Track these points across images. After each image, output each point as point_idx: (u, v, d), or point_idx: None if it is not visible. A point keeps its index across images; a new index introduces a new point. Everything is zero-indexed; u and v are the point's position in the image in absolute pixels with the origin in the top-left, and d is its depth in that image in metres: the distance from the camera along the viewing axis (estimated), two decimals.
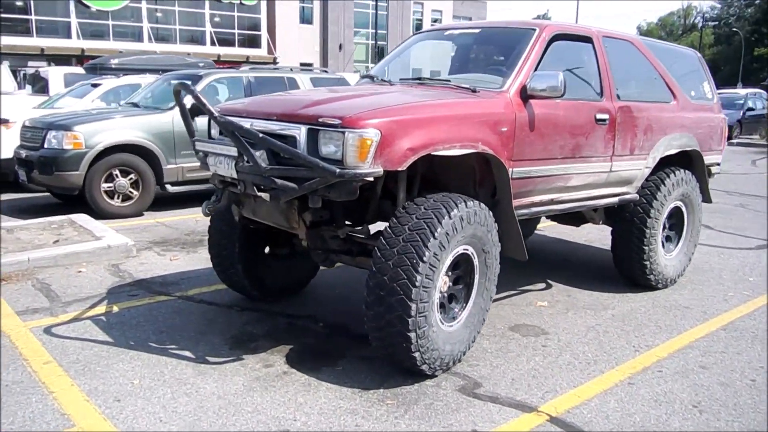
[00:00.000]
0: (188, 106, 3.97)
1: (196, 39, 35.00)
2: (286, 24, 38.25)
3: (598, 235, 7.27)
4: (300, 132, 3.42)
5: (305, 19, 39.68)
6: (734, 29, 62.04)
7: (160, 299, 4.89)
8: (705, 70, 6.01)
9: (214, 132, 4.13)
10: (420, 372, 3.59)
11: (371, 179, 3.35)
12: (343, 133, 3.25)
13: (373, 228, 4.16)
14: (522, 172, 4.08)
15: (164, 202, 8.23)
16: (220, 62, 26.74)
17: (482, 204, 3.71)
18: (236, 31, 36.30)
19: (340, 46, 40.98)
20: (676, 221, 5.59)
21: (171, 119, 7.97)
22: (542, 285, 5.50)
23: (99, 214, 7.44)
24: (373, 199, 3.88)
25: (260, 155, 3.42)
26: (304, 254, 4.90)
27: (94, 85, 10.84)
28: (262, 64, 29.17)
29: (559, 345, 4.22)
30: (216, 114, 3.44)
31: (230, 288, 4.83)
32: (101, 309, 4.64)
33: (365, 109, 3.38)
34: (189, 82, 3.69)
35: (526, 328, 4.51)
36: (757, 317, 4.87)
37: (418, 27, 44.57)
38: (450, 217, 3.45)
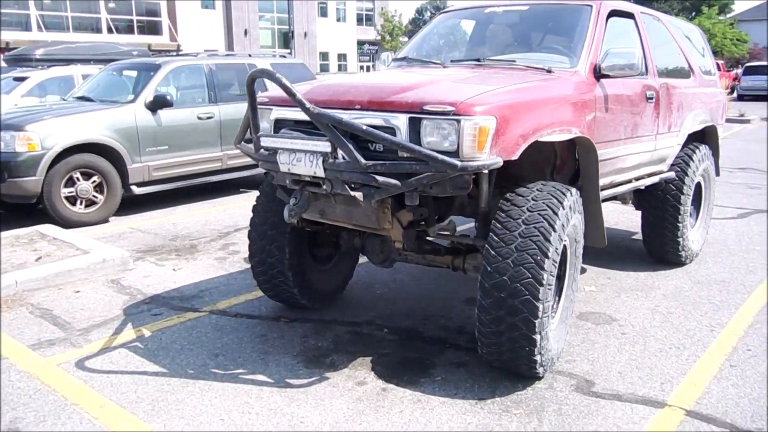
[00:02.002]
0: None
1: (91, 27, 32.61)
2: (188, 9, 36.44)
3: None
4: (400, 122, 3.04)
5: (207, 4, 37.95)
6: None
7: (190, 316, 4.35)
8: (707, 45, 6.08)
9: (266, 126, 3.61)
10: (534, 375, 3.35)
11: (486, 171, 3.04)
12: (458, 121, 2.91)
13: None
14: (600, 155, 3.88)
15: (125, 204, 7.44)
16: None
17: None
18: (134, 17, 34.15)
19: (246, 32, 39.55)
20: (695, 196, 5.62)
21: (133, 114, 7.20)
22: None
23: (60, 223, 6.61)
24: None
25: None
26: (344, 255, 4.54)
27: (18, 79, 9.70)
28: (166, 52, 27.64)
29: (637, 332, 4.09)
30: (309, 105, 2.99)
31: (273, 298, 4.37)
32: (130, 334, 4.06)
33: (475, 94, 3.05)
34: (269, 69, 3.19)
35: (592, 315, 4.36)
36: None
37: (323, 10, 43.84)
38: (563, 208, 3.21)
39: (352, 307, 4.51)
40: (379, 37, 47.56)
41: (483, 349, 3.31)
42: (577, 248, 3.63)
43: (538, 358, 3.20)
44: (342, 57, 45.29)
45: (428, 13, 58.49)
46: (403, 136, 3.04)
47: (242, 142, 3.83)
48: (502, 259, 3.09)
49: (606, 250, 5.92)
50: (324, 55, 43.97)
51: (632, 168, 4.56)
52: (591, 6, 4.19)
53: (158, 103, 7.32)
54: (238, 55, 9.23)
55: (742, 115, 18.53)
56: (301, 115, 3.36)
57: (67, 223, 6.65)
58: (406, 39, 51.53)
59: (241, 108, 8.26)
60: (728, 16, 58.35)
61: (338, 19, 44.85)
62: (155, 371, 3.55)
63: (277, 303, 4.50)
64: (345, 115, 3.13)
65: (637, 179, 4.75)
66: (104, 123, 6.99)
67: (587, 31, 4.03)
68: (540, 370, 3.29)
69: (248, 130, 3.66)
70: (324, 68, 42.74)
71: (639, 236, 6.11)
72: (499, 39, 4.51)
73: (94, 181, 6.94)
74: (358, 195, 3.15)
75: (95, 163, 6.90)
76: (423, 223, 3.59)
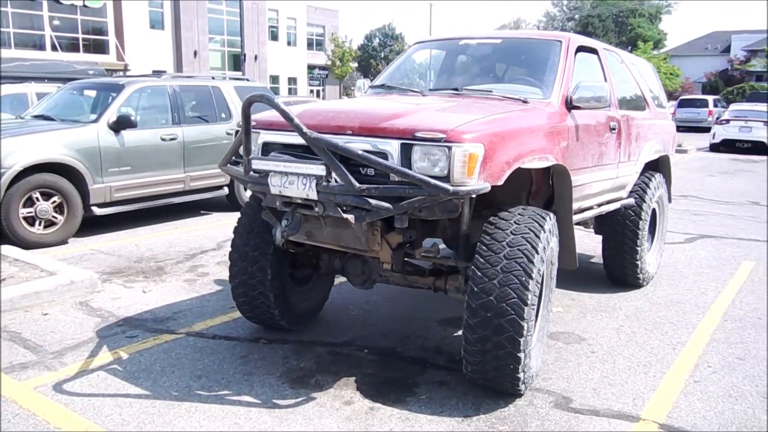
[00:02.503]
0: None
1: (34, 43, 31.73)
2: (136, 29, 35.90)
3: None
4: (392, 147, 3.16)
5: (156, 24, 37.50)
6: None
7: (167, 338, 4.31)
8: (658, 79, 6.46)
9: (252, 149, 3.65)
10: (516, 392, 3.48)
11: (474, 196, 3.18)
12: (449, 147, 3.05)
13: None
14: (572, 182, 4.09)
15: (84, 226, 7.26)
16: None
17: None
18: (80, 35, 33.43)
19: (195, 53, 39.25)
20: (651, 221, 5.93)
21: (96, 134, 7.09)
22: None
23: (17, 244, 6.42)
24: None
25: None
26: (321, 277, 4.60)
27: None
28: (114, 71, 27.15)
29: (606, 350, 4.29)
30: (306, 130, 3.07)
31: (251, 319, 4.38)
32: (107, 357, 3.99)
33: (463, 122, 3.21)
34: (268, 95, 3.25)
35: (562, 335, 4.54)
36: (738, 306, 5.29)
37: (273, 33, 43.91)
38: (544, 231, 3.38)
39: (329, 329, 4.56)
40: (329, 62, 47.91)
41: (468, 367, 3.42)
42: (552, 270, 3.80)
43: (521, 375, 3.33)
44: (292, 81, 45.35)
45: (377, 40, 59.27)
46: (394, 161, 3.15)
47: (228, 165, 3.85)
48: (489, 280, 3.23)
49: (568, 273, 6.16)
50: (274, 79, 43.93)
51: (598, 194, 4.80)
52: (561, 41, 4.44)
53: (122, 124, 7.24)
54: (200, 78, 9.20)
55: (680, 146, 19.47)
56: (290, 139, 3.46)
57: (25, 244, 6.47)
58: (356, 64, 52.14)
59: (204, 130, 8.28)
60: (661, 51, 61.44)
61: (289, 43, 44.98)
62: (138, 393, 3.51)
63: (254, 325, 4.51)
64: (338, 140, 3.22)
65: (600, 205, 5.00)
66: (65, 142, 6.86)
67: (558, 64, 4.26)
68: (522, 387, 3.42)
69: (235, 152, 3.69)
70: (274, 91, 42.67)
71: (596, 259, 6.41)
72: (473, 70, 4.71)
73: (54, 202, 6.78)
74: (350, 217, 3.24)
75: (56, 183, 6.75)
76: (409, 245, 3.69)
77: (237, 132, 3.88)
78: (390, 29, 59.03)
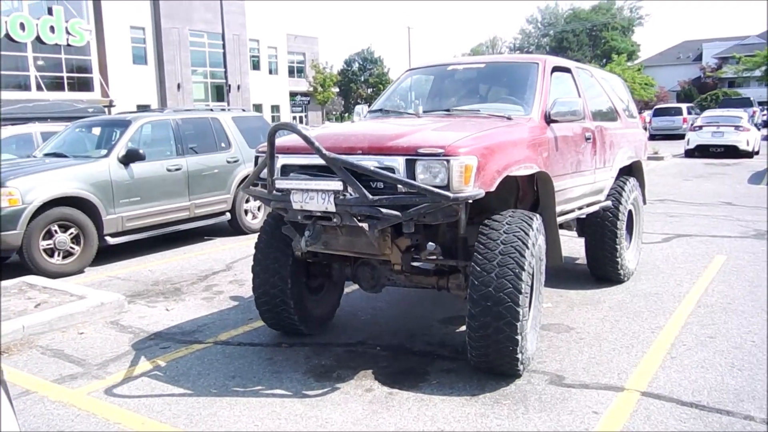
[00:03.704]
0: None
1: (19, 84, 32.12)
2: (119, 65, 36.40)
3: None
4: (398, 163, 3.67)
5: (139, 59, 38.03)
6: None
7: (197, 347, 4.75)
8: (628, 92, 7.06)
9: (273, 171, 4.14)
10: (515, 374, 3.96)
11: (470, 201, 3.69)
12: (448, 161, 3.57)
13: None
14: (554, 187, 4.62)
15: (96, 255, 7.66)
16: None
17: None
18: (65, 74, 33.89)
19: (179, 86, 39.79)
20: (628, 222, 6.47)
21: (107, 167, 7.56)
22: None
23: (38, 274, 6.83)
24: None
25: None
26: (333, 285, 5.07)
27: None
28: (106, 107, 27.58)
29: (592, 336, 4.79)
30: (325, 152, 3.57)
31: (273, 326, 4.83)
32: (146, 365, 4.43)
33: (458, 138, 3.73)
34: (291, 123, 3.75)
35: (553, 326, 5.03)
36: (711, 294, 5.82)
37: (255, 63, 44.59)
38: (533, 229, 3.89)
39: (343, 332, 5.02)
40: (311, 88, 48.64)
41: (473, 353, 3.90)
42: (541, 265, 4.31)
43: (519, 356, 3.81)
44: (275, 108, 45.98)
45: (356, 64, 60.21)
46: (401, 174, 3.66)
47: (250, 187, 4.32)
48: (487, 274, 3.72)
49: (555, 273, 6.67)
50: (257, 107, 44.51)
51: (578, 198, 5.33)
52: (538, 63, 5.00)
53: (131, 157, 7.71)
54: (201, 111, 9.71)
55: (656, 153, 20.22)
56: (306, 161, 3.97)
57: (45, 275, 6.86)
58: (337, 89, 52.94)
59: (206, 159, 8.77)
60: (636, 62, 62.95)
61: (270, 72, 45.69)
62: (182, 393, 3.95)
63: (273, 332, 4.96)
64: (351, 159, 3.72)
65: (580, 208, 5.53)
66: (80, 177, 7.31)
67: (536, 84, 4.82)
68: (521, 368, 3.91)
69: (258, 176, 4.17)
70: None
71: (580, 261, 6.92)
72: (461, 92, 5.26)
73: (72, 233, 7.21)
74: (365, 225, 3.74)
75: (72, 216, 7.19)
76: (415, 248, 4.19)
77: (257, 158, 4.35)
78: (369, 53, 60.02)
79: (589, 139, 5.31)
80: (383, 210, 3.62)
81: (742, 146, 19.87)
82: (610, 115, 6.14)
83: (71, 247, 7.21)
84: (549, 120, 4.64)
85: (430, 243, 4.21)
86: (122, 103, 33.65)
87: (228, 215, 9.21)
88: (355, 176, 3.65)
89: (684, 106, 31.60)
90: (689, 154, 20.83)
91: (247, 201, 9.49)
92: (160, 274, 7.14)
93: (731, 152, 20.01)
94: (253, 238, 9.06)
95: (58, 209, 7.08)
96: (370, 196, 3.59)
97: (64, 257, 7.18)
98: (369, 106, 5.54)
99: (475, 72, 5.28)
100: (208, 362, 4.45)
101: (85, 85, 34.91)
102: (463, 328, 4.97)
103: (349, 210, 3.69)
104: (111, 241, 7.63)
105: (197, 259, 7.90)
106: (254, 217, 9.64)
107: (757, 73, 46.92)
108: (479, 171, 3.66)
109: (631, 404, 3.67)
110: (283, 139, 4.19)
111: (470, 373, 4.12)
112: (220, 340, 4.91)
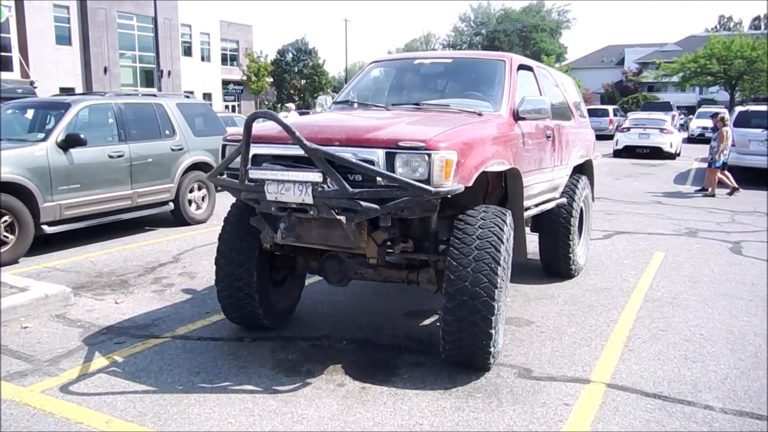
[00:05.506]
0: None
1: None
2: (41, 44, 34.48)
3: None
4: (377, 156, 3.62)
5: (62, 39, 36.15)
6: None
7: (155, 342, 4.56)
8: (579, 93, 7.26)
9: (247, 161, 4.01)
10: (486, 366, 4.00)
11: (449, 196, 3.69)
12: (429, 155, 3.55)
13: None
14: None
15: (31, 245, 7.23)
16: None
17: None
18: None
19: (105, 69, 38.14)
20: (579, 219, 6.66)
21: (45, 152, 7.13)
22: None
23: None
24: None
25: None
26: (295, 278, 4.98)
27: None
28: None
29: (552, 330, 4.91)
30: (306, 142, 3.48)
31: (235, 320, 4.70)
32: (102, 361, 4.21)
33: (437, 133, 3.71)
34: (271, 112, 3.63)
35: (514, 320, 5.11)
36: (656, 288, 6.09)
37: (187, 49, 43.30)
38: (506, 225, 3.94)
39: (305, 325, 4.94)
40: (244, 77, 47.64)
41: (446, 347, 3.91)
42: (508, 260, 4.36)
43: (492, 350, 3.86)
44: (207, 96, 44.71)
45: (290, 55, 59.39)
46: (380, 167, 3.61)
47: (217, 176, 4.16)
48: (463, 268, 3.74)
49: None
50: (188, 95, 43.32)
51: (537, 195, 5.43)
52: (505, 60, 5.06)
53: (71, 142, 7.31)
54: (145, 95, 9.31)
55: None
56: (280, 151, 3.86)
57: None
58: (271, 79, 52.02)
59: (150, 146, 8.43)
60: (563, 63, 65.05)
61: (203, 59, 44.47)
62: (145, 390, 3.78)
63: (233, 326, 4.83)
64: (331, 151, 3.64)
65: (538, 204, 5.64)
66: (15, 161, 6.86)
67: (504, 81, 4.88)
68: (492, 361, 3.95)
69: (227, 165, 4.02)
70: None
71: (531, 256, 7.06)
72: (428, 86, 5.26)
73: (5, 221, 6.77)
74: (343, 218, 3.67)
75: (7, 203, 6.75)
76: (389, 242, 4.16)
77: (224, 146, 4.20)
78: (303, 44, 59.31)
79: (549, 137, 5.42)
80: (362, 203, 3.57)
81: (666, 148, 20.85)
82: (566, 114, 6.29)
83: (5, 236, 6.77)
84: (517, 117, 4.71)
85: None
86: (44, 85, 31.90)
87: (171, 205, 8.89)
88: (363, 169, 3.56)
89: (610, 108, 32.86)
90: (617, 154, 21.68)
91: (191, 191, 9.20)
92: (103, 266, 6.82)
93: (656, 153, 20.96)
94: (198, 229, 8.90)
95: None
96: (350, 189, 3.53)
97: None
98: (313, 98, 5.46)
99: (442, 67, 5.29)
100: (169, 358, 4.28)
101: (3, 64, 32.81)
102: (427, 321, 5.05)
103: (327, 202, 3.61)
104: (48, 230, 7.22)
105: (141, 250, 7.58)
106: (198, 207, 9.35)
107: (675, 78, 49.42)
108: (458, 166, 3.66)
109: (599, 396, 3.78)
110: (256, 128, 4.06)
111: (440, 366, 4.14)
112: (178, 334, 4.73)
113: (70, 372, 4.04)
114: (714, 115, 13.71)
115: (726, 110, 27.16)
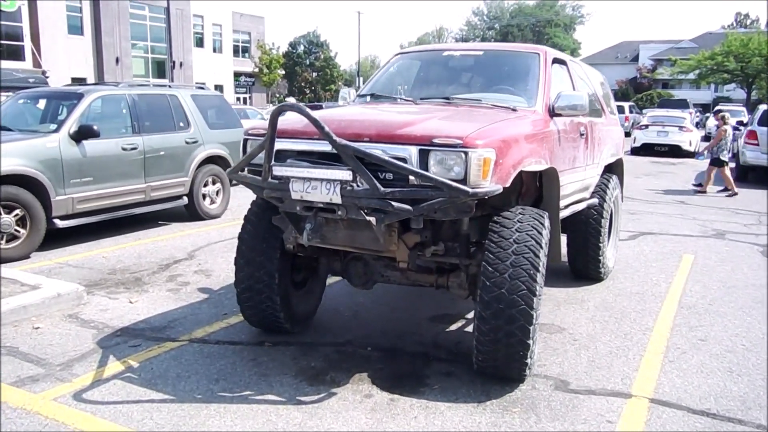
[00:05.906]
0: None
1: None
2: (53, 34, 34.43)
3: None
4: (410, 153, 3.39)
5: (74, 29, 36.06)
6: None
7: (172, 346, 4.36)
8: (609, 89, 6.99)
9: (271, 156, 3.78)
10: (521, 378, 3.77)
11: (487, 197, 3.46)
12: (466, 153, 3.31)
13: None
14: None
15: (43, 239, 7.06)
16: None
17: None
18: None
19: (117, 60, 38.03)
20: (609, 220, 6.40)
21: (57, 144, 6.95)
22: None
23: None
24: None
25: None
26: (317, 280, 4.77)
27: None
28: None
29: (585, 338, 4.67)
30: (335, 138, 3.26)
31: (254, 323, 4.49)
32: (117, 366, 4.02)
33: (474, 129, 3.48)
34: (299, 104, 3.40)
35: (544, 326, 4.88)
36: (689, 294, 5.83)
37: (199, 40, 43.14)
38: (545, 227, 3.70)
39: (327, 330, 4.73)
40: (256, 69, 47.44)
41: (479, 357, 3.68)
42: (545, 265, 4.13)
43: (528, 361, 3.63)
44: (219, 88, 44.50)
45: (302, 47, 59.11)
46: (413, 165, 3.38)
47: (239, 173, 3.95)
48: (500, 275, 3.51)
49: None
50: (201, 86, 43.17)
51: (570, 195, 5.19)
52: (539, 53, 4.81)
53: (84, 133, 7.12)
54: (159, 86, 9.12)
55: None
56: (306, 147, 3.64)
57: None
58: (283, 72, 51.80)
59: (164, 138, 8.23)
60: (578, 60, 64.42)
61: (215, 50, 44.29)
62: (162, 398, 3.58)
63: (252, 329, 4.62)
64: (362, 147, 3.40)
65: (569, 205, 5.39)
66: (28, 153, 6.69)
67: (539, 75, 4.63)
68: (527, 372, 3.72)
69: (250, 161, 3.80)
70: None
71: None
72: (458, 79, 5.01)
73: (17, 215, 6.59)
74: (372, 219, 3.45)
75: (18, 195, 6.57)
76: (421, 245, 3.93)
77: (246, 141, 3.99)
78: (315, 36, 59.02)
79: (583, 134, 5.17)
80: (394, 203, 3.35)
81: (685, 146, 20.47)
82: (598, 111, 6.04)
83: (16, 230, 6.60)
84: (552, 113, 4.46)
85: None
86: (56, 75, 31.83)
87: (185, 199, 8.69)
88: (395, 167, 3.34)
89: (626, 105, 32.39)
90: (635, 151, 21.31)
91: (205, 185, 9.00)
92: (116, 262, 6.64)
93: (675, 151, 20.60)
94: (212, 225, 8.70)
95: (2, 188, 6.45)
96: (382, 188, 3.31)
97: (7, 241, 6.56)
98: (324, 90, 5.23)
99: (473, 59, 5.04)
100: (187, 363, 4.08)
101: (15, 54, 32.81)
102: (454, 327, 4.83)
103: (356, 202, 3.39)
104: (60, 224, 7.04)
105: (155, 245, 7.40)
106: (212, 202, 9.16)
107: (691, 75, 48.80)
108: (497, 165, 3.43)
109: (643, 412, 3.55)
110: (281, 122, 3.83)
111: (471, 376, 3.92)
112: (196, 337, 4.53)
113: (84, 378, 3.84)
114: (716, 113, 13.50)
115: (744, 108, 26.71)
